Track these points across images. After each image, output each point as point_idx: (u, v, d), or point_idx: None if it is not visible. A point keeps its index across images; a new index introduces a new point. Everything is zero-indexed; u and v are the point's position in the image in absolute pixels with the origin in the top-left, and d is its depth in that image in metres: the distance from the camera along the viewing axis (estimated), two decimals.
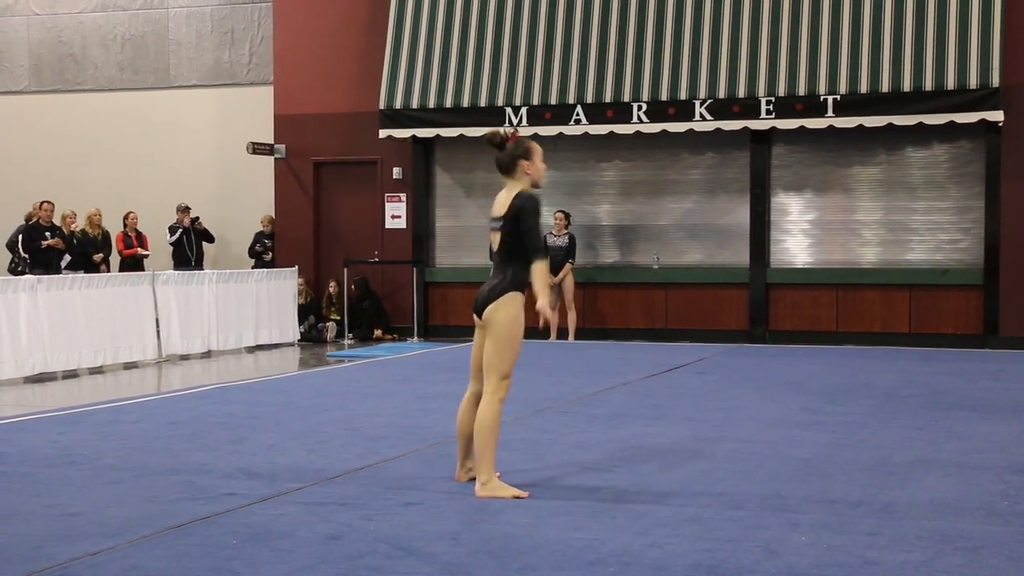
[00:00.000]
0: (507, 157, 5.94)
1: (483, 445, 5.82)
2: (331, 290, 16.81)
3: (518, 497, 5.77)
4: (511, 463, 6.65)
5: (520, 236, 5.83)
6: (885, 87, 14.45)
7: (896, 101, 14.40)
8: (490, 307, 5.87)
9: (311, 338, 16.40)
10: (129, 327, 13.03)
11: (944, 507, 5.56)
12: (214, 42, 18.63)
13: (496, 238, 5.91)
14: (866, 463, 6.64)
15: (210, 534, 5.09)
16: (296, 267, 16.49)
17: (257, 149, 17.16)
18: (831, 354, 13.38)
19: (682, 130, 15.20)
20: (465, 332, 16.23)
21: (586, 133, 15.61)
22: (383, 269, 16.87)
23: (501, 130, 5.99)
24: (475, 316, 5.97)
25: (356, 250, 16.96)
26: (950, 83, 14.22)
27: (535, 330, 16.02)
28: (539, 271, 5.84)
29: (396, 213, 16.90)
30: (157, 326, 13.50)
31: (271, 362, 13.97)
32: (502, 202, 5.92)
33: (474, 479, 5.95)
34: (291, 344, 15.80)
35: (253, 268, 16.87)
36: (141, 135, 18.79)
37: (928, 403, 9.13)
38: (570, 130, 15.56)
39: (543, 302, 5.81)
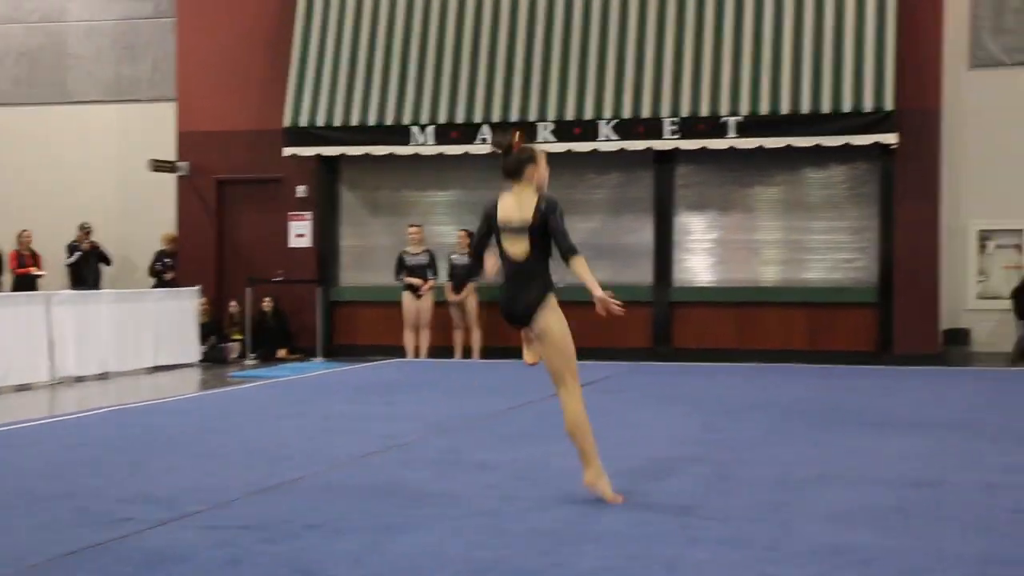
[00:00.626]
0: (514, 162, 6.07)
1: (582, 440, 6.03)
2: (232, 309, 16.60)
3: (614, 501, 5.98)
4: (418, 482, 6.63)
5: (548, 239, 5.93)
6: (784, 109, 14.74)
7: (795, 123, 14.69)
8: (540, 316, 5.97)
9: (213, 358, 16.16)
10: (21, 348, 12.69)
11: (839, 521, 5.66)
12: (115, 57, 18.33)
13: (518, 244, 5.97)
14: (766, 479, 6.74)
15: (104, 561, 4.99)
16: (198, 286, 16.26)
17: (159, 167, 16.91)
18: (732, 371, 13.56)
19: (587, 150, 15.32)
20: (370, 352, 16.14)
21: (493, 152, 15.62)
22: (287, 288, 16.71)
23: (507, 136, 6.09)
24: (513, 325, 6.07)
25: (260, 269, 16.78)
26: (846, 106, 14.55)
27: (443, 349, 15.90)
28: (581, 265, 5.88)
29: (300, 232, 16.77)
30: (51, 347, 13.18)
31: (171, 383, 13.73)
32: (513, 206, 6.01)
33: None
34: (193, 364, 15.56)
35: (154, 287, 16.61)
36: (38, 151, 18.36)
37: (826, 419, 9.29)
38: (476, 149, 15.59)
39: (599, 292, 5.84)
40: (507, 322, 6.12)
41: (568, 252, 5.90)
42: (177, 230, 17.28)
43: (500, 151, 6.09)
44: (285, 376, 13.46)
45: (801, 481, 6.68)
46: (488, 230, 6.16)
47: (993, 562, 4.92)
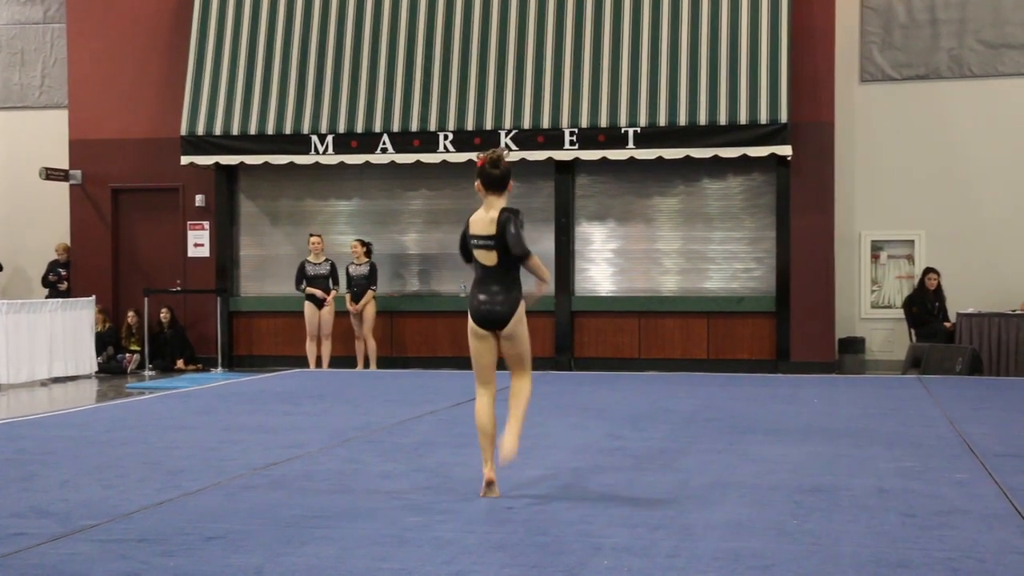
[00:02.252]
0: (504, 175, 6.53)
1: (525, 413, 6.64)
2: (129, 320, 16.32)
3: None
4: (320, 493, 6.58)
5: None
6: (682, 120, 14.94)
7: (693, 134, 14.91)
8: (513, 321, 6.52)
9: (110, 369, 15.88)
10: None
11: (739, 527, 5.75)
12: (2, 63, 17.90)
13: (490, 256, 6.48)
14: (666, 487, 6.82)
15: None
16: (93, 297, 15.95)
17: (51, 175, 16.57)
18: (634, 380, 13.66)
19: None
20: (271, 362, 15.99)
21: (393, 162, 15.62)
22: (186, 298, 16.48)
23: (497, 151, 6.60)
24: (485, 328, 6.54)
25: (157, 279, 16.53)
26: (742, 118, 14.80)
27: (345, 359, 15.76)
28: (536, 262, 6.56)
29: (199, 241, 16.55)
30: None
31: (66, 395, 13.46)
32: (486, 220, 6.47)
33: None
34: (89, 376, 15.26)
35: (47, 298, 16.26)
36: None
37: (725, 427, 9.43)
38: (377, 159, 15.55)
39: (544, 287, 6.68)
40: (481, 326, 6.55)
41: (524, 254, 6.47)
42: (71, 240, 16.93)
43: (495, 165, 6.49)
44: (184, 387, 13.26)
45: (702, 488, 6.77)
46: (464, 244, 6.63)
47: (886, 564, 5.05)
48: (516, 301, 6.52)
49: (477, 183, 6.57)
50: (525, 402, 6.65)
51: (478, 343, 6.59)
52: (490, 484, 6.52)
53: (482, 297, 6.50)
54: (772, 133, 14.71)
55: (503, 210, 6.44)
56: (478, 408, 6.64)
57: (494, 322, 6.52)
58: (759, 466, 7.54)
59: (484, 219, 6.46)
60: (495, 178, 6.49)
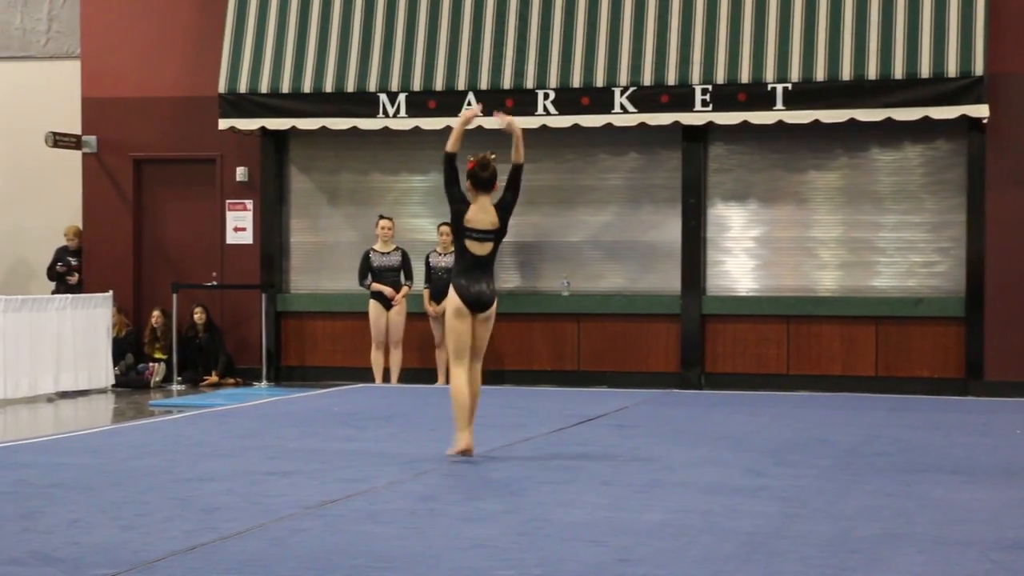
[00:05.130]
0: (492, 177, 9.09)
1: (475, 406, 9.26)
2: (154, 322, 16.56)
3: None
4: (387, 539, 6.62)
5: (502, 239, 9.28)
6: (846, 75, 14.76)
7: (859, 91, 14.72)
8: (494, 305, 9.19)
9: (130, 382, 16.14)
10: None
11: None
12: (2, 4, 18.24)
13: (486, 247, 9.11)
14: (823, 538, 6.74)
15: None
16: (111, 292, 16.23)
17: (59, 141, 16.87)
18: (781, 403, 13.56)
19: (599, 124, 15.34)
20: (328, 375, 16.13)
21: (480, 127, 15.61)
22: (223, 295, 16.68)
23: (490, 155, 9.13)
24: (471, 310, 9.04)
25: (188, 271, 16.76)
26: (924, 70, 14.58)
27: (420, 371, 15.81)
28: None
29: (240, 224, 16.75)
30: None
31: (76, 413, 13.71)
32: (481, 213, 9.06)
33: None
34: (104, 390, 15.52)
35: (54, 293, 16.57)
36: None
37: (898, 464, 9.31)
38: None
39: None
40: (470, 309, 9.05)
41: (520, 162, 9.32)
42: (83, 222, 17.22)
43: (480, 167, 9.00)
44: (220, 405, 13.44)
45: (869, 541, 6.69)
46: (457, 179, 9.10)
47: None
48: (495, 290, 9.22)
49: (468, 184, 8.99)
50: (477, 396, 9.30)
51: (461, 323, 9.06)
52: (466, 452, 9.08)
53: (474, 282, 9.03)
54: (963, 89, 14.47)
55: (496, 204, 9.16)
56: (459, 384, 9.10)
57: (483, 305, 9.08)
58: (943, 514, 7.43)
59: (485, 219, 9.05)
60: (484, 180, 9.05)
